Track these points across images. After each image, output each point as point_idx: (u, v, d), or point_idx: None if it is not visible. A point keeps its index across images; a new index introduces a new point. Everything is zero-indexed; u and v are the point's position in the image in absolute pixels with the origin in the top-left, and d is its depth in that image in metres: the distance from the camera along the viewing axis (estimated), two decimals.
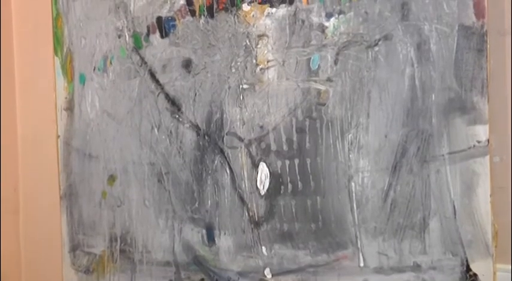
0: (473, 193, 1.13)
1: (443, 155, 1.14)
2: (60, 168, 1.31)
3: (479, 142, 1.12)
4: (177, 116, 1.24)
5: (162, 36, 1.24)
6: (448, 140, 1.14)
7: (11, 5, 1.34)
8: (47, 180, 1.34)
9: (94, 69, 1.28)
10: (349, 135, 1.18)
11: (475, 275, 1.11)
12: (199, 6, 1.22)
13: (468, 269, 1.12)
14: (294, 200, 1.20)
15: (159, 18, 1.24)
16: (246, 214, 1.23)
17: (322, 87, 1.18)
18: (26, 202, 1.38)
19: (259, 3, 1.20)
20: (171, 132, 1.25)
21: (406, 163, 1.15)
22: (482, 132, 1.12)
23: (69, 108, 1.29)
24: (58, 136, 1.30)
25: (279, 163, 1.21)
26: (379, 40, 1.16)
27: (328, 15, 1.18)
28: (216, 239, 1.25)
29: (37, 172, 1.37)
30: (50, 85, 1.29)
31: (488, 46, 1.11)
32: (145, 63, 1.25)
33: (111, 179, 1.29)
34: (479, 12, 1.12)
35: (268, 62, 1.20)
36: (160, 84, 1.25)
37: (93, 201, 1.31)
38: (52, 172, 1.31)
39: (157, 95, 1.25)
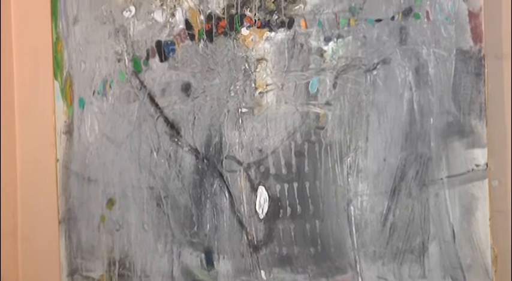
0: (472, 217, 1.14)
1: (442, 179, 1.16)
2: (59, 192, 1.32)
3: (477, 165, 1.14)
4: (176, 140, 1.26)
5: (161, 60, 1.26)
6: (446, 163, 1.16)
7: (12, 29, 1.36)
8: (46, 204, 1.35)
9: (93, 93, 1.29)
10: (348, 159, 1.19)
11: None
12: (199, 31, 1.24)
13: None
14: (293, 224, 1.22)
15: (158, 42, 1.26)
16: (245, 237, 1.24)
17: (321, 111, 1.20)
18: (24, 226, 1.39)
19: (258, 28, 1.22)
20: (170, 156, 1.26)
21: (405, 187, 1.17)
22: (480, 155, 1.14)
23: (69, 132, 1.31)
24: (57, 160, 1.31)
25: (278, 187, 1.22)
26: (378, 64, 1.18)
27: (327, 39, 1.20)
28: (215, 263, 1.26)
29: (36, 196, 1.38)
30: (49, 109, 1.31)
31: (486, 70, 1.14)
32: (145, 87, 1.27)
33: (110, 203, 1.30)
34: (477, 37, 1.14)
35: (267, 85, 1.22)
36: (159, 108, 1.26)
37: (91, 225, 1.32)
38: (51, 196, 1.32)
39: (157, 119, 1.27)
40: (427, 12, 1.16)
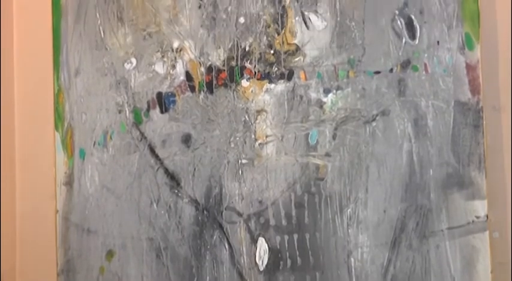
0: (473, 269, 1.16)
1: (442, 231, 1.18)
2: (58, 243, 1.33)
3: (478, 217, 1.16)
4: (176, 191, 1.28)
5: (162, 112, 1.28)
6: (447, 215, 1.18)
7: (14, 81, 1.39)
8: (44, 256, 1.35)
9: (94, 144, 1.31)
10: (348, 210, 1.21)
11: None
12: (199, 82, 1.27)
13: None
14: (293, 275, 1.23)
15: (159, 94, 1.29)
16: None
17: (321, 162, 1.23)
18: (22, 278, 1.39)
19: (258, 79, 1.25)
20: (170, 207, 1.28)
21: (405, 238, 1.19)
22: (480, 207, 1.16)
23: (69, 183, 1.32)
24: (57, 211, 1.33)
25: (278, 238, 1.24)
26: (377, 115, 1.21)
27: (326, 91, 1.23)
28: None
29: (35, 248, 1.39)
30: (50, 160, 1.32)
31: (484, 122, 1.17)
32: (145, 138, 1.29)
33: (110, 254, 1.31)
34: (475, 89, 1.18)
35: (267, 137, 1.25)
36: (159, 159, 1.28)
37: (90, 277, 1.32)
38: (50, 248, 1.33)
39: (157, 170, 1.29)
40: (425, 64, 1.20)
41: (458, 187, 1.18)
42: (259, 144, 1.25)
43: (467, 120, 1.18)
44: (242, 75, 1.26)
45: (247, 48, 1.25)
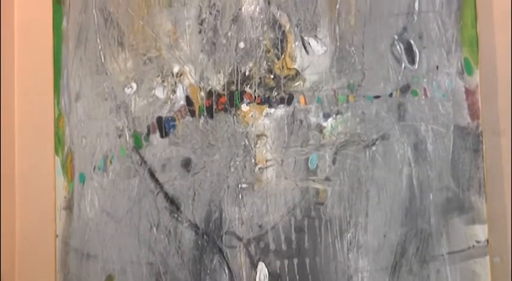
0: None
1: (442, 255, 1.18)
2: (57, 268, 1.33)
3: (478, 242, 1.17)
4: (176, 215, 1.28)
5: (162, 136, 1.29)
6: (447, 239, 1.18)
7: (14, 106, 1.40)
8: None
9: (94, 169, 1.32)
10: (348, 235, 1.22)
11: None
12: (199, 107, 1.28)
13: None
14: None
15: (159, 118, 1.30)
16: None
17: (321, 187, 1.23)
18: None
19: (258, 104, 1.26)
20: (169, 231, 1.28)
21: (405, 263, 1.19)
22: (481, 232, 1.17)
23: (69, 207, 1.33)
24: (56, 235, 1.33)
25: (278, 263, 1.24)
26: (377, 140, 1.22)
27: (326, 116, 1.24)
28: None
29: (34, 273, 1.38)
30: (50, 185, 1.33)
31: (484, 146, 1.18)
32: (145, 162, 1.30)
33: (109, 279, 1.30)
34: (474, 113, 1.19)
35: (266, 161, 1.26)
36: (159, 184, 1.29)
37: None
38: (49, 272, 1.32)
39: (157, 195, 1.29)
40: (425, 89, 1.21)
41: (459, 211, 1.19)
42: (259, 168, 1.25)
43: (467, 145, 1.19)
44: (242, 99, 1.27)
45: (247, 73, 1.27)
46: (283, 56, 1.26)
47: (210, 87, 1.28)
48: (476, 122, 1.19)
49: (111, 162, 1.31)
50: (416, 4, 1.23)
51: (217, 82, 1.28)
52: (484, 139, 1.18)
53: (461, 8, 1.21)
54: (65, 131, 1.33)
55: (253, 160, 1.26)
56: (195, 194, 1.28)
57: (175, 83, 1.30)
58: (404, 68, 1.22)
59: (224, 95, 1.28)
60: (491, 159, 1.20)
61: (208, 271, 1.27)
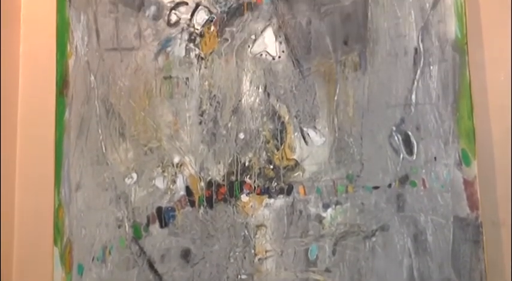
0: None
1: None
2: None
3: None
4: None
5: (161, 226, 1.31)
6: None
7: (15, 197, 1.42)
8: None
9: (93, 259, 1.32)
10: None
11: None
12: (199, 197, 1.31)
13: None
14: None
15: (159, 209, 1.32)
16: None
17: (321, 278, 1.25)
18: None
19: (258, 194, 1.30)
20: None
21: None
22: None
23: None
24: None
25: None
26: (376, 231, 1.24)
27: (325, 206, 1.27)
28: None
29: None
30: (47, 276, 1.33)
31: (484, 237, 1.20)
32: (144, 253, 1.31)
33: None
34: (473, 204, 1.22)
35: (266, 252, 1.28)
36: (158, 275, 1.30)
37: None
38: None
39: None
40: (423, 180, 1.25)
41: None
42: (259, 259, 1.27)
43: (467, 236, 1.21)
44: (242, 190, 1.30)
45: (246, 164, 1.30)
46: (282, 147, 1.30)
47: (210, 178, 1.31)
48: (476, 213, 1.22)
49: (110, 253, 1.32)
50: (413, 96, 1.28)
51: (217, 172, 1.31)
52: (484, 230, 1.21)
53: (457, 100, 1.26)
54: (64, 222, 1.35)
55: (252, 251, 1.28)
56: None
57: (176, 173, 1.33)
58: (403, 158, 1.26)
59: (224, 185, 1.31)
60: (492, 250, 1.22)
61: None
